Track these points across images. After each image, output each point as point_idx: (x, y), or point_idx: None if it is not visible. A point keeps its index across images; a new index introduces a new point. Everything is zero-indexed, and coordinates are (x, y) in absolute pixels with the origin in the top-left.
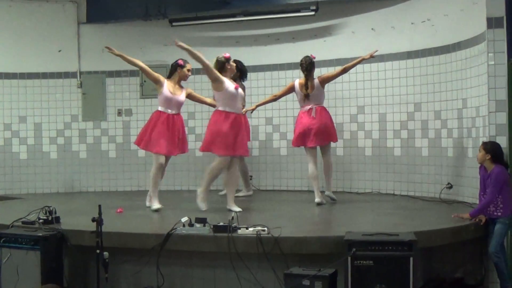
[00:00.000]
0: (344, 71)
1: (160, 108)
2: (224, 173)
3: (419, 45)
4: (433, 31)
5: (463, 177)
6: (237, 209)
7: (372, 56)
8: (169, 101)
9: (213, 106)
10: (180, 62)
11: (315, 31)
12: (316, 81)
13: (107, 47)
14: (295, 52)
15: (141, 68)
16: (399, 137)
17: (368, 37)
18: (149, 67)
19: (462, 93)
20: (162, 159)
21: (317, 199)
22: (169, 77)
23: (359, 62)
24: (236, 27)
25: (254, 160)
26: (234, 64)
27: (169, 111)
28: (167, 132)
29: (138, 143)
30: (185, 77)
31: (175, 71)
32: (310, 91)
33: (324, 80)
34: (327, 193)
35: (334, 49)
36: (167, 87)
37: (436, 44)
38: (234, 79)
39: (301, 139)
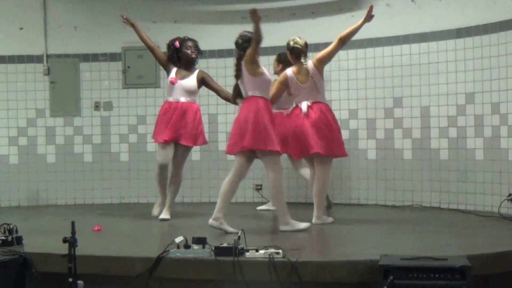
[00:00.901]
0: (342, 42)
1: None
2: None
3: (472, 21)
4: (490, 3)
5: None
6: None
7: (370, 15)
8: (170, 87)
9: (228, 100)
10: (176, 44)
11: (340, 3)
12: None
13: (122, 16)
14: (315, 30)
15: (152, 50)
16: (446, 137)
17: (407, 11)
18: (134, 50)
19: None
20: (159, 156)
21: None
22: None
23: (358, 28)
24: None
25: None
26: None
27: (170, 98)
28: (159, 119)
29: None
30: (189, 59)
31: (174, 54)
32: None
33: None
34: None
35: (364, 27)
36: (174, 72)
37: (494, 19)
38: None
39: None
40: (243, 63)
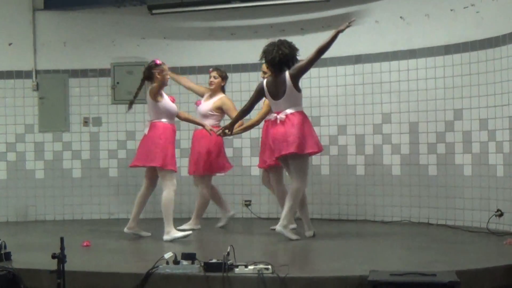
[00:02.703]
0: (319, 53)
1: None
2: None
3: (460, 37)
4: (478, 20)
5: None
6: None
7: (349, 26)
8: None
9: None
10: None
11: (328, 20)
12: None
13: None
14: (304, 46)
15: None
16: (434, 153)
17: (395, 28)
18: (123, 65)
19: None
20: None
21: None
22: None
23: (335, 37)
24: (231, 15)
25: (254, 181)
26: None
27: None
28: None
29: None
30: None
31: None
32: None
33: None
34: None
35: (353, 44)
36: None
37: (482, 36)
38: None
39: None
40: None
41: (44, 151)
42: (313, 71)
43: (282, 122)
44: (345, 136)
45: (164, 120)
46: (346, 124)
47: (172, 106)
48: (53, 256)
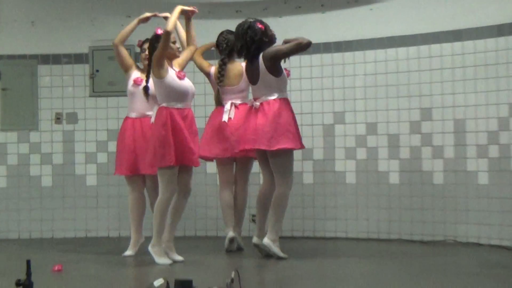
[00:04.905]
0: (300, 48)
1: None
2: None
3: None
4: None
5: None
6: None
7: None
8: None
9: None
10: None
11: None
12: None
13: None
14: (325, 26)
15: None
16: (485, 156)
17: (436, 3)
18: (104, 49)
19: None
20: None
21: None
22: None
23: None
24: None
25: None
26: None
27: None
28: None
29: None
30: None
31: None
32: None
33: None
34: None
35: (385, 24)
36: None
37: None
38: None
39: None
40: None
41: (7, 154)
42: (336, 56)
43: (256, 110)
44: (376, 136)
45: (170, 103)
46: (377, 121)
47: (180, 84)
48: (18, 283)
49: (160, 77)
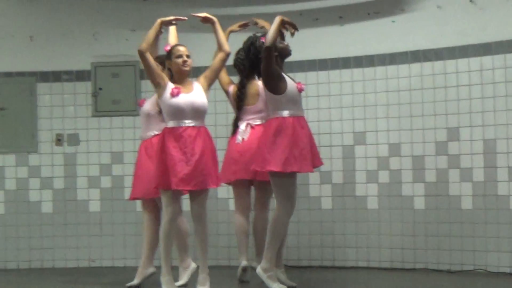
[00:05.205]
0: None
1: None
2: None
3: None
4: None
5: None
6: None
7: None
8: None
9: None
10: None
11: (376, 5)
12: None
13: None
14: (344, 40)
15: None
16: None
17: (464, 15)
18: (107, 66)
19: None
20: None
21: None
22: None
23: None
24: (246, 1)
25: None
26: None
27: None
28: None
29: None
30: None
31: None
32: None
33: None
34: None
35: (408, 36)
36: None
37: None
38: None
39: None
40: None
41: (5, 179)
42: (355, 72)
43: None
44: (399, 157)
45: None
46: (400, 142)
47: (171, 102)
48: None
49: (159, 96)
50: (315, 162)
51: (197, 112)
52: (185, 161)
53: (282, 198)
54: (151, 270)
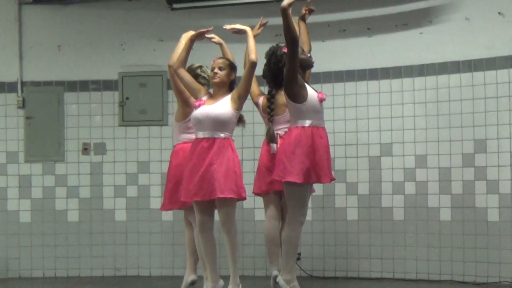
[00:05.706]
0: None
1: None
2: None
3: None
4: None
5: None
6: None
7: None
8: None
9: None
10: None
11: (404, 17)
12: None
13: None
14: (371, 51)
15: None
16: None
17: (492, 27)
18: (134, 75)
19: None
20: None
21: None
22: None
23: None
24: (273, 11)
25: (304, 228)
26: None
27: None
28: None
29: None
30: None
31: None
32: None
33: None
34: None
35: (436, 47)
36: None
37: None
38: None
39: None
40: None
41: (32, 187)
42: (382, 83)
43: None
44: (425, 169)
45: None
46: (427, 153)
47: (193, 114)
48: None
49: None
50: (329, 175)
51: (213, 123)
52: (194, 173)
53: (297, 207)
54: (191, 277)
